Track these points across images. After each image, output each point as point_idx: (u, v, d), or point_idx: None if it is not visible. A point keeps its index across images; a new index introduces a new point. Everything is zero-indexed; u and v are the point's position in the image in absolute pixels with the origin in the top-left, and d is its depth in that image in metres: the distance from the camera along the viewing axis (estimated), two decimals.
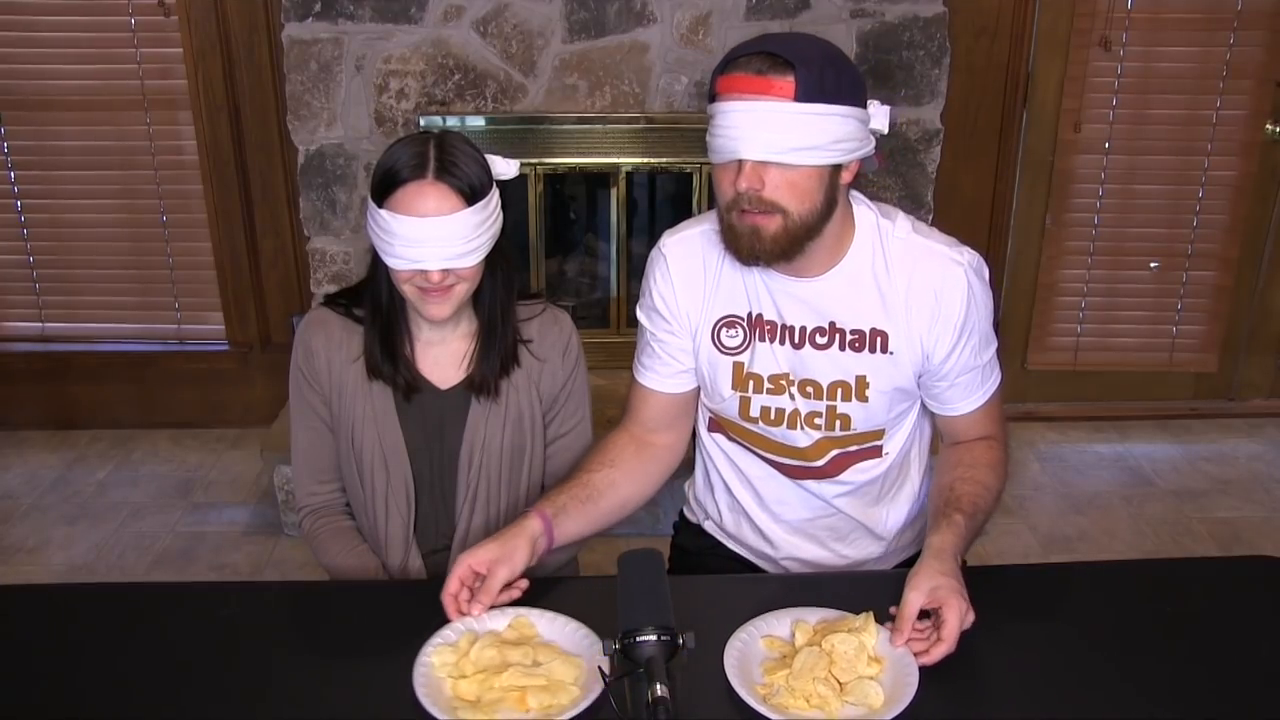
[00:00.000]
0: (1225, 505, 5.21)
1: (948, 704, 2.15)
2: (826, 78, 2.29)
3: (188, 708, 2.15)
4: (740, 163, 2.33)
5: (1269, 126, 5.40)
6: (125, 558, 4.75)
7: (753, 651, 2.27)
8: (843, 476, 2.71)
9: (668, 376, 2.72)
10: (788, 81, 2.26)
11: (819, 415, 2.63)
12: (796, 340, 2.58)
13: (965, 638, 2.24)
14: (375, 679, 2.20)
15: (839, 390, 2.59)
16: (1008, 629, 2.38)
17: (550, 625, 2.34)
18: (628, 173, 5.12)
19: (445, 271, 2.50)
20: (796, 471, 2.71)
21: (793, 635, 2.32)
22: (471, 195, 2.48)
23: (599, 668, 2.07)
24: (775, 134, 2.28)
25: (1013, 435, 5.64)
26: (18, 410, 5.75)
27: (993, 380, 2.68)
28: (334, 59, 4.89)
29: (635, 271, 5.38)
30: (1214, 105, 5.37)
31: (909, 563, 2.72)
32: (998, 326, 5.13)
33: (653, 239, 5.48)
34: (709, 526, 2.97)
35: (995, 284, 5.52)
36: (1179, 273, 5.66)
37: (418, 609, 2.34)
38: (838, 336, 2.55)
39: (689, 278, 2.65)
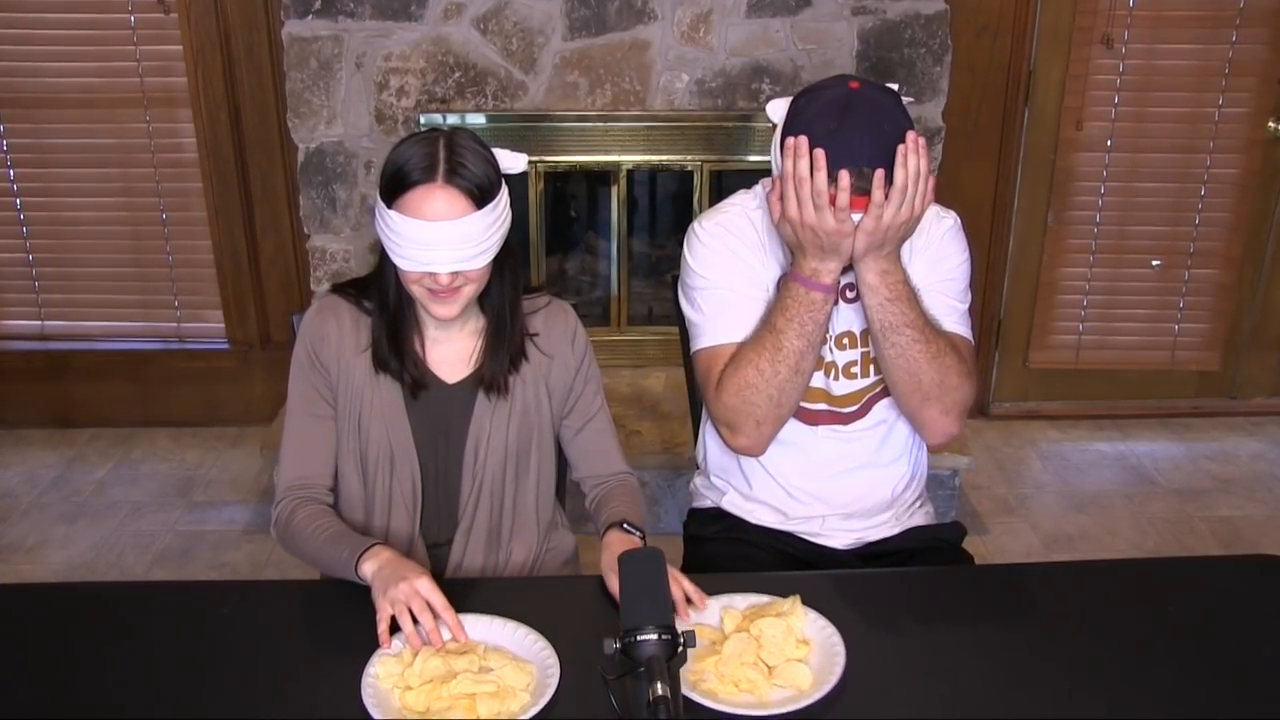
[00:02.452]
0: (1227, 504, 5.21)
1: (947, 704, 2.15)
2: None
3: (186, 707, 2.15)
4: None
5: (1271, 124, 5.40)
6: (125, 557, 4.75)
7: None
8: (867, 416, 2.88)
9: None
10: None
11: (855, 364, 2.83)
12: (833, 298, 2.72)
13: (968, 636, 2.26)
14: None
15: (870, 337, 2.75)
16: (1010, 628, 2.38)
17: (500, 631, 2.36)
18: (628, 171, 5.13)
19: (454, 274, 2.49)
20: (823, 416, 2.86)
21: (721, 622, 2.37)
22: (481, 197, 2.47)
23: (599, 667, 2.07)
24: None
25: (1014, 434, 5.68)
26: (17, 409, 5.74)
27: (964, 327, 2.82)
28: (334, 56, 4.89)
29: (636, 270, 5.39)
30: (1216, 103, 5.37)
31: (913, 537, 2.97)
32: (999, 325, 5.14)
33: (654, 237, 5.51)
34: (729, 501, 3.02)
35: (997, 282, 5.54)
36: (1181, 271, 5.66)
37: None
38: None
39: (742, 242, 2.79)
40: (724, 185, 5.16)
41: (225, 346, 5.70)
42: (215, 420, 5.78)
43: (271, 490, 4.83)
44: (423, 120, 4.92)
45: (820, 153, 2.47)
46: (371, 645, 2.27)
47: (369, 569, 2.41)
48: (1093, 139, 5.42)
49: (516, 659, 2.26)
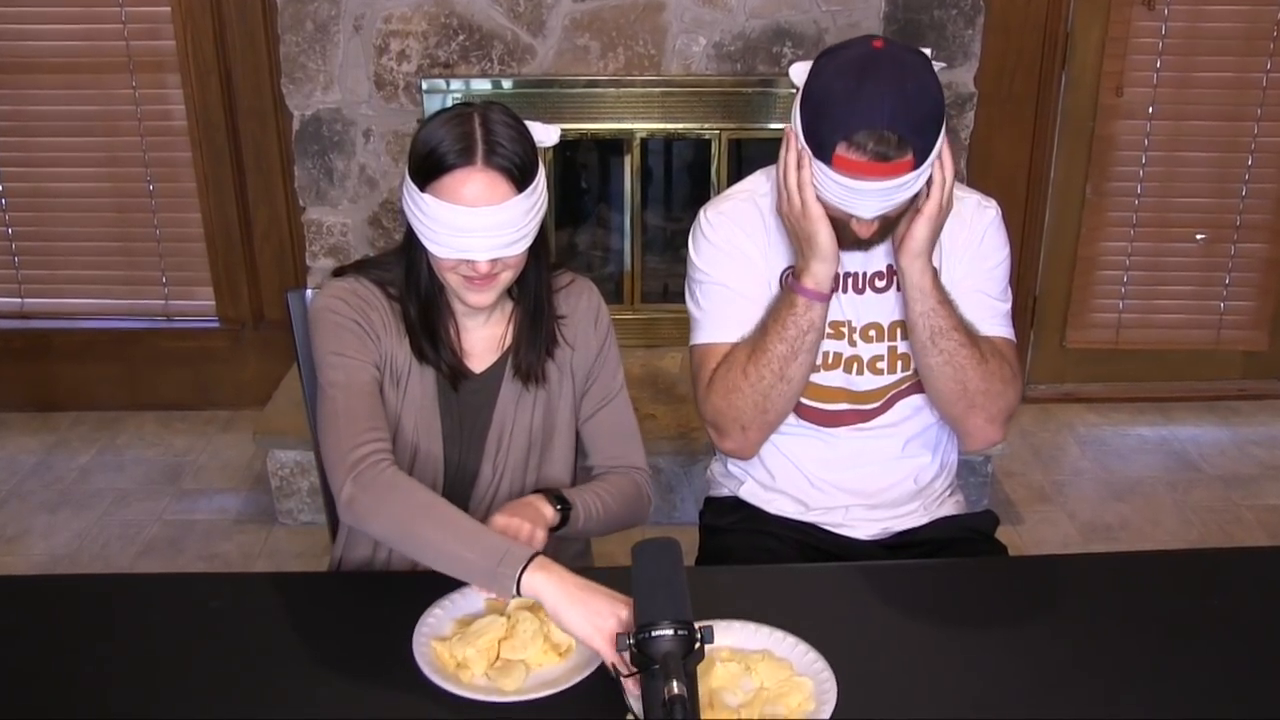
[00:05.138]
0: (1276, 492, 5.20)
1: (978, 703, 2.15)
2: (933, 134, 2.51)
3: (176, 705, 2.15)
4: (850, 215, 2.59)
5: None
6: (110, 547, 4.76)
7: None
8: (890, 412, 2.88)
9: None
10: (906, 160, 2.47)
11: (881, 359, 2.83)
12: (859, 285, 2.80)
13: (1000, 632, 2.26)
14: (374, 674, 2.21)
15: (899, 330, 2.80)
16: (1045, 623, 2.38)
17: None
18: (642, 139, 5.13)
19: (493, 260, 2.47)
20: (846, 416, 2.87)
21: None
22: (522, 179, 2.43)
23: (610, 664, 2.07)
24: (893, 197, 2.52)
25: (1051, 418, 5.67)
26: None
27: (1006, 328, 2.84)
28: (331, 19, 4.88)
29: (650, 244, 5.38)
30: (1264, 67, 5.34)
31: (942, 527, 2.96)
32: (1035, 303, 5.12)
33: (669, 210, 5.50)
34: (747, 491, 3.02)
35: (1032, 258, 5.52)
36: (1227, 245, 5.64)
37: (421, 599, 2.34)
38: (895, 278, 2.74)
39: (746, 235, 2.80)
40: (743, 154, 5.15)
41: (216, 325, 5.70)
42: (205, 403, 5.79)
43: (265, 477, 4.86)
44: (425, 86, 4.92)
45: (806, 151, 2.53)
46: (371, 641, 2.28)
47: (546, 587, 2.18)
48: (1133, 105, 5.40)
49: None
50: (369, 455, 2.42)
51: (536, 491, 2.64)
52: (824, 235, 2.58)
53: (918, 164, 2.48)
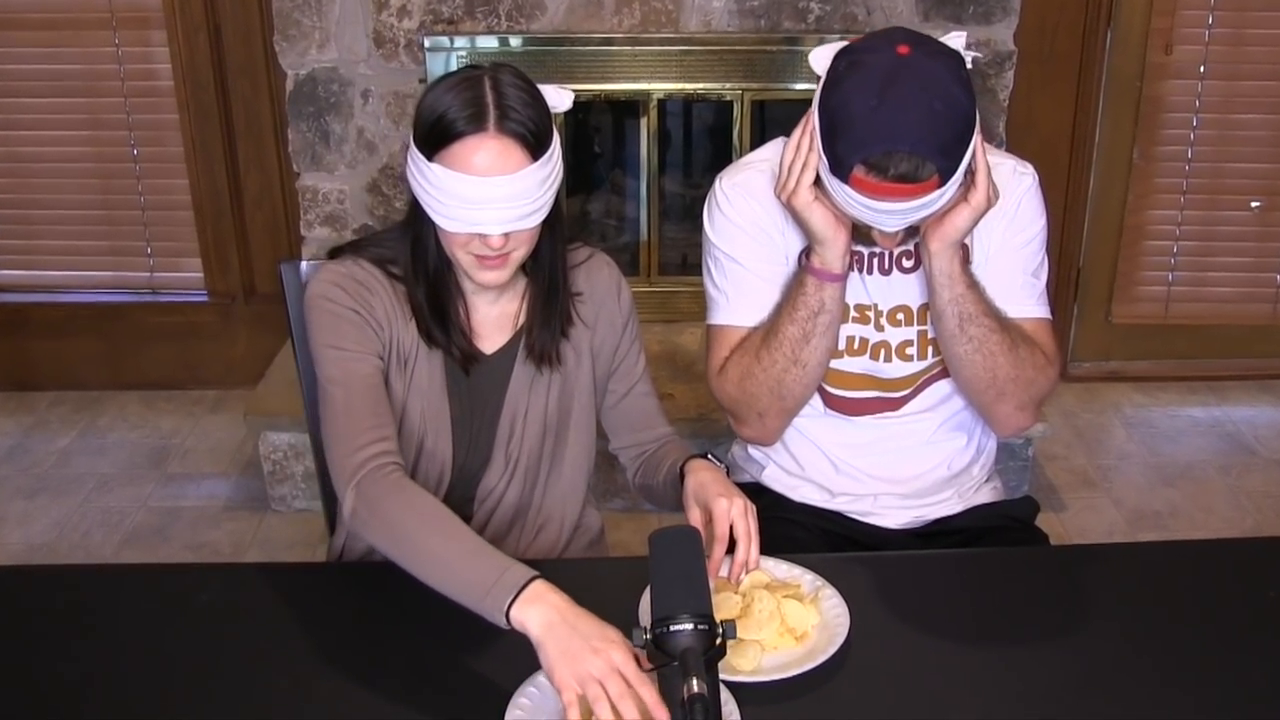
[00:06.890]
0: None
1: (1018, 701, 2.15)
2: (960, 151, 2.45)
3: (161, 706, 2.15)
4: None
5: None
6: (91, 536, 4.77)
7: None
8: (920, 397, 2.87)
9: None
10: (930, 181, 2.41)
11: (911, 344, 2.81)
12: (885, 266, 2.77)
13: (1041, 626, 2.26)
14: (372, 671, 2.21)
15: (929, 313, 2.74)
16: (1089, 616, 2.38)
17: None
18: (660, 101, 5.12)
19: (506, 235, 2.45)
20: (870, 405, 2.87)
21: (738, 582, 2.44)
22: (537, 147, 2.43)
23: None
24: (917, 214, 2.49)
25: (1095, 398, 5.66)
26: None
27: (1043, 307, 2.81)
28: None
29: (668, 212, 5.37)
30: None
31: (978, 515, 2.95)
32: (1079, 275, 5.11)
33: (688, 176, 5.49)
34: (769, 476, 3.02)
35: (1076, 227, 5.50)
36: None
37: (424, 592, 2.31)
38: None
39: (765, 210, 2.77)
40: (766, 116, 5.14)
41: (204, 299, 5.71)
42: (193, 382, 5.79)
43: (256, 461, 4.86)
44: (427, 44, 4.91)
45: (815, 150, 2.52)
46: (369, 637, 2.28)
47: (534, 620, 2.07)
48: (1184, 64, 5.39)
49: None
50: (370, 460, 2.39)
51: (692, 458, 2.67)
52: (816, 219, 2.56)
53: (943, 182, 2.42)
